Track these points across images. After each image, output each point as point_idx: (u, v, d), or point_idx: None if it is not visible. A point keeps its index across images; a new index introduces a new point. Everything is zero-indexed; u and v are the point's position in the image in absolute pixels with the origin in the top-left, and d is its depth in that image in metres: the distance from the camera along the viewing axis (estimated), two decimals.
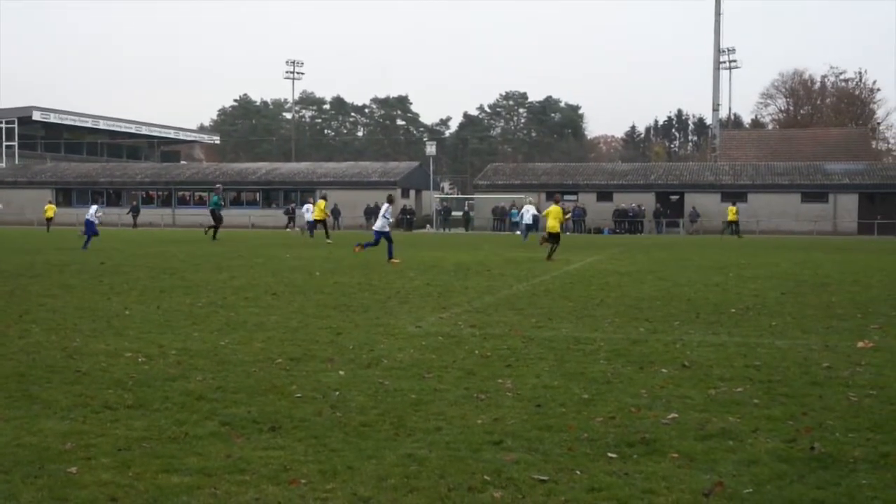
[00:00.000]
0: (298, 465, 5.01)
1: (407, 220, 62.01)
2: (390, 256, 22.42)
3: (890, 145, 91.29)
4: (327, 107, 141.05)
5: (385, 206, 23.80)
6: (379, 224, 23.72)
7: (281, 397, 6.67)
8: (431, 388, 7.02)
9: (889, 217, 54.99)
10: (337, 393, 6.81)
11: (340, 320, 11.02)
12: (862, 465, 5.02)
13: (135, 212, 62.43)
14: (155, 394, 6.78)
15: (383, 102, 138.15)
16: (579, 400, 6.63)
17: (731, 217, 48.93)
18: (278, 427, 5.82)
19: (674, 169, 67.29)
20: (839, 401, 6.60)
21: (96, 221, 28.80)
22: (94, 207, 29.40)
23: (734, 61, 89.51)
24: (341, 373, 7.61)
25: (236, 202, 69.17)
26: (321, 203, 38.82)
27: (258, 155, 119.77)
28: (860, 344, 9.17)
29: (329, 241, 34.80)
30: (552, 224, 24.37)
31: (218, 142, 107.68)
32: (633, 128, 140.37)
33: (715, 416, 6.13)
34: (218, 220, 36.14)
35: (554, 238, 24.28)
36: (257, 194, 69.05)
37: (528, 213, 37.86)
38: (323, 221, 38.40)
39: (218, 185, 40.49)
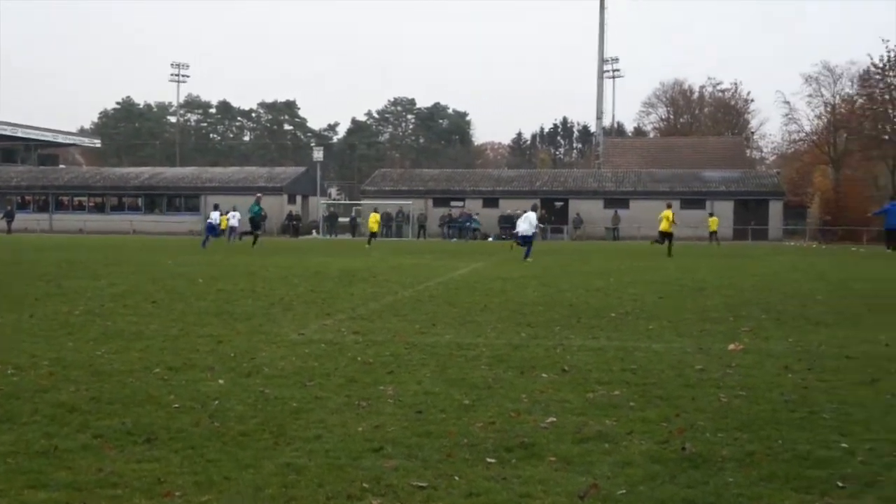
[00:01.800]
0: (173, 477, 4.90)
1: (293, 225, 61.46)
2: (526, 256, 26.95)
3: (763, 154, 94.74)
4: (213, 111, 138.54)
5: (531, 213, 28.85)
6: (523, 228, 28.29)
7: (158, 408, 6.52)
8: (313, 395, 6.97)
9: (762, 223, 57.27)
10: (216, 402, 6.69)
11: (222, 328, 10.83)
12: (729, 463, 5.19)
13: (9, 217, 60.12)
14: (24, 406, 6.53)
15: (270, 107, 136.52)
16: (460, 406, 6.67)
17: (712, 227, 49.96)
18: (154, 438, 5.69)
19: (559, 176, 68.57)
20: (710, 402, 6.82)
21: None
22: None
23: (618, 70, 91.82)
24: (221, 382, 7.48)
25: (117, 208, 67.46)
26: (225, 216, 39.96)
27: (141, 159, 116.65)
28: (731, 346, 9.50)
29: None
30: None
31: (99, 145, 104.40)
32: (519, 135, 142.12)
33: (592, 419, 6.25)
34: (256, 227, 36.74)
35: None
36: (139, 199, 67.45)
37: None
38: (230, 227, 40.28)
39: (259, 194, 40.92)
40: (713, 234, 49.49)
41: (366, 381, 7.59)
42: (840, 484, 4.82)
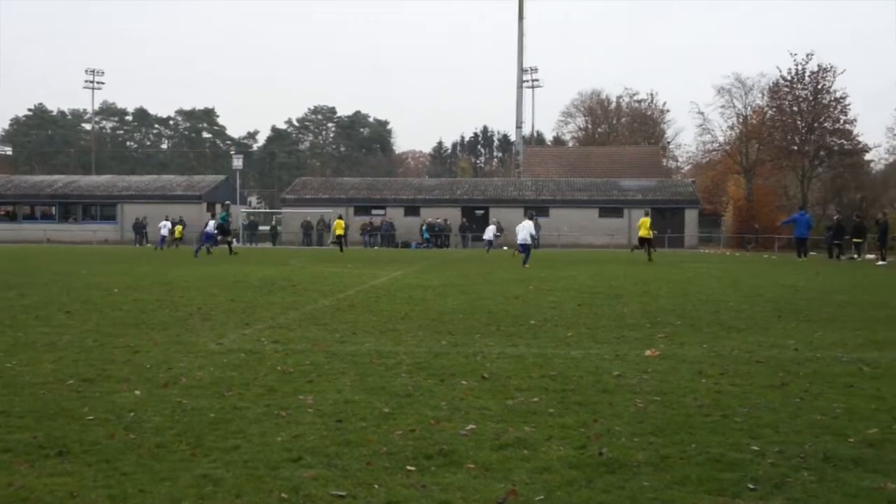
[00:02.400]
0: (87, 492, 4.79)
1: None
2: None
3: (679, 163, 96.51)
4: (129, 118, 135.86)
5: (528, 222, 30.25)
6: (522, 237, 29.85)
7: (71, 420, 6.37)
8: (231, 406, 6.89)
9: (677, 231, 58.42)
10: (132, 414, 6.57)
11: (138, 338, 10.63)
12: (645, 467, 5.28)
13: None
14: None
15: (189, 114, 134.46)
16: (380, 414, 6.66)
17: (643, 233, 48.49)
18: (66, 452, 5.56)
19: (479, 184, 68.96)
20: (627, 407, 6.93)
21: None
22: None
23: (537, 80, 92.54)
24: (137, 393, 7.34)
25: (30, 217, 65.76)
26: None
27: (55, 167, 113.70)
28: (648, 352, 9.66)
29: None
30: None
31: (10, 153, 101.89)
32: (440, 143, 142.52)
33: (511, 426, 6.30)
34: (226, 233, 38.15)
35: None
36: (53, 208, 65.78)
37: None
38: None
39: (227, 202, 42.42)
40: (643, 241, 46.91)
41: (285, 390, 7.53)
42: (751, 486, 4.94)
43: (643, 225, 34.62)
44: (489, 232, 45.04)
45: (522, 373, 8.45)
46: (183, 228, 53.98)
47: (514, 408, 6.90)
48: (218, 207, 41.68)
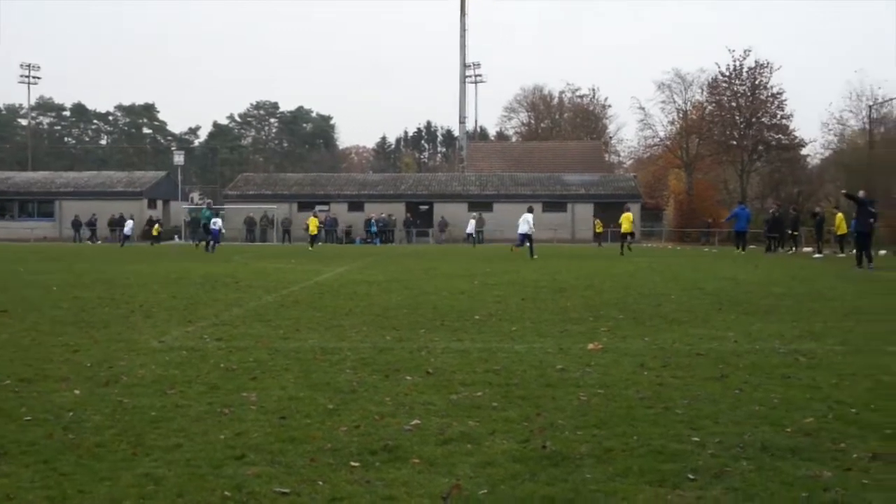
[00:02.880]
0: (24, 493, 4.70)
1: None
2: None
3: (621, 158, 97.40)
4: (67, 113, 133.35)
5: (528, 215, 31.98)
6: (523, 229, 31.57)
7: (8, 421, 6.25)
8: (173, 404, 6.81)
9: (620, 225, 58.89)
10: (71, 414, 6.46)
11: (78, 337, 10.46)
12: (588, 460, 5.33)
13: None
14: None
15: (128, 110, 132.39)
16: (324, 410, 6.63)
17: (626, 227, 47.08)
18: (3, 453, 5.45)
19: (423, 179, 68.95)
20: (570, 401, 6.98)
21: None
22: None
23: (479, 75, 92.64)
24: (77, 392, 7.22)
25: None
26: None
27: None
28: (591, 346, 9.75)
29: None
30: None
31: None
32: (383, 139, 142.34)
33: (456, 420, 6.32)
34: (207, 231, 39.29)
35: None
36: None
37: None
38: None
39: (209, 200, 44.16)
40: (625, 235, 40.10)
41: (228, 387, 7.47)
42: (691, 476, 5.02)
43: (626, 219, 37.00)
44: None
45: (467, 367, 8.47)
46: (161, 227, 54.08)
47: (458, 402, 6.91)
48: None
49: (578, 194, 61.49)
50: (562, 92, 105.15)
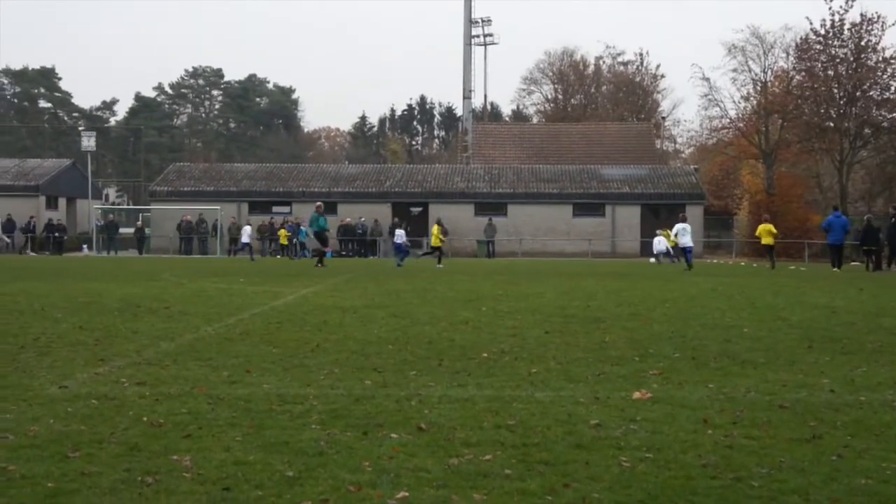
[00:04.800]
0: None
1: (54, 238, 59.88)
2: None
3: (677, 145, 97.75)
4: None
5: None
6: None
7: None
8: (78, 471, 6.78)
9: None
10: None
11: None
12: None
13: None
14: None
15: (19, 76, 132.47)
16: (282, 478, 6.62)
17: (673, 238, 48.46)
18: None
19: (415, 173, 69.13)
20: (609, 467, 6.96)
21: None
22: None
23: (490, 35, 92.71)
24: None
25: None
26: None
27: None
28: (636, 394, 9.73)
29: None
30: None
31: None
32: (363, 119, 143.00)
33: (456, 493, 6.31)
34: (325, 243, 41.51)
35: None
36: None
37: (663, 242, 45.97)
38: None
39: (319, 203, 43.91)
40: (769, 248, 44.56)
41: (153, 448, 7.45)
42: None
43: (765, 231, 41.85)
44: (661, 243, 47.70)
45: (471, 422, 8.45)
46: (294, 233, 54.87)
47: (459, 469, 6.89)
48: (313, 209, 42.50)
49: (621, 193, 61.62)
50: (599, 58, 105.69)
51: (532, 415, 8.79)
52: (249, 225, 54.67)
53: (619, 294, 23.93)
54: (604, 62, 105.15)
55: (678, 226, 41.23)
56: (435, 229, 43.33)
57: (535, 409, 9.08)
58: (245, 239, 52.70)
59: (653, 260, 49.66)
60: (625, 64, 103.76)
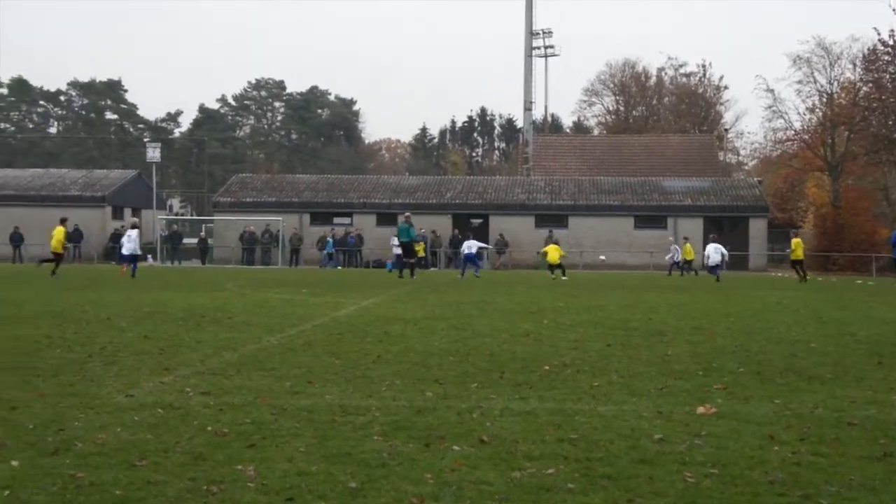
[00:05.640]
0: None
1: (118, 249, 60.48)
2: None
3: (741, 157, 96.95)
4: (4, 91, 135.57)
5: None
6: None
7: None
8: (144, 480, 6.84)
9: (740, 247, 58.40)
10: (7, 493, 6.52)
11: (17, 389, 10.57)
12: None
13: None
14: None
15: (86, 88, 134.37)
16: (345, 490, 6.63)
17: (796, 254, 45.79)
18: None
19: (476, 184, 69.12)
20: (673, 483, 6.91)
21: None
22: None
23: (551, 47, 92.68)
24: (15, 463, 7.29)
25: None
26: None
27: None
28: (700, 409, 9.66)
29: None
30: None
31: None
32: (423, 130, 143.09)
33: None
34: (411, 255, 40.93)
35: None
36: None
37: (717, 251, 44.93)
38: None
39: (407, 213, 43.55)
40: (798, 262, 44.67)
41: (218, 458, 7.50)
42: None
43: (798, 245, 43.75)
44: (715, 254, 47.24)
45: (534, 435, 8.43)
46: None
47: (522, 482, 6.88)
48: (400, 219, 42.53)
49: (683, 205, 61.25)
50: (661, 69, 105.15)
51: (595, 428, 8.75)
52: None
53: (682, 307, 23.78)
54: (666, 73, 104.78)
55: (710, 246, 44.09)
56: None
57: (598, 422, 9.04)
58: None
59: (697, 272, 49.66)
60: (687, 75, 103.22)
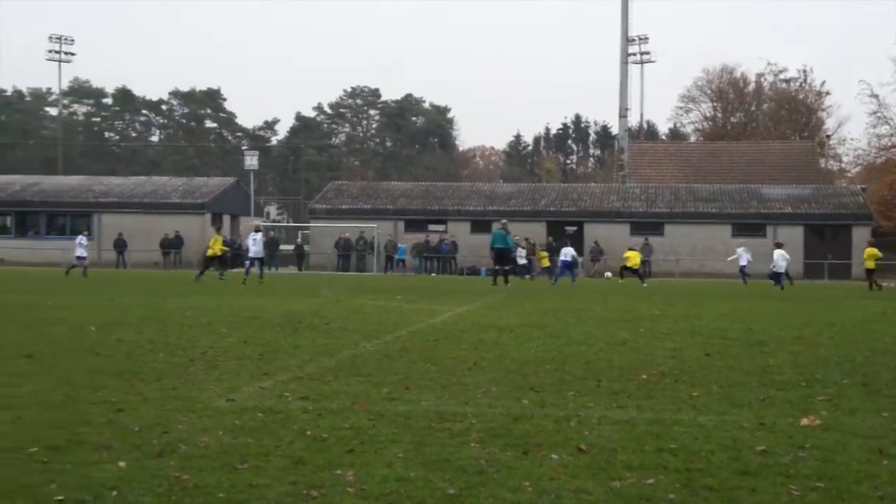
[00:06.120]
0: None
1: (219, 255, 61.20)
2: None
3: (843, 164, 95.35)
4: (108, 101, 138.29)
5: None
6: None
7: (34, 502, 6.44)
8: (246, 483, 6.91)
9: (842, 256, 57.36)
10: (115, 493, 6.62)
11: (123, 392, 10.76)
12: None
13: None
14: None
15: (187, 97, 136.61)
16: (443, 496, 6.64)
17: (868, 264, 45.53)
18: None
19: (570, 192, 68.90)
20: (778, 496, 6.81)
21: None
22: None
23: (647, 54, 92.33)
24: (122, 464, 7.41)
25: None
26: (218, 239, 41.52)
27: (10, 164, 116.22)
28: (804, 421, 9.51)
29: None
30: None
31: None
32: (518, 137, 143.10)
33: None
34: (507, 262, 42.07)
35: None
36: (8, 218, 67.02)
37: (783, 258, 44.42)
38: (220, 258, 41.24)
39: (504, 220, 43.95)
40: (870, 272, 44.55)
41: (317, 462, 7.55)
42: None
43: (870, 255, 43.56)
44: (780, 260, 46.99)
45: (632, 445, 8.37)
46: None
47: (621, 492, 6.83)
48: (496, 226, 42.64)
49: (783, 213, 60.41)
50: (760, 75, 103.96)
51: (695, 439, 8.66)
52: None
53: (782, 317, 23.45)
54: (765, 79, 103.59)
55: (777, 252, 43.34)
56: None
57: (698, 433, 8.94)
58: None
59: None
60: (787, 81, 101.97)
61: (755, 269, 52.17)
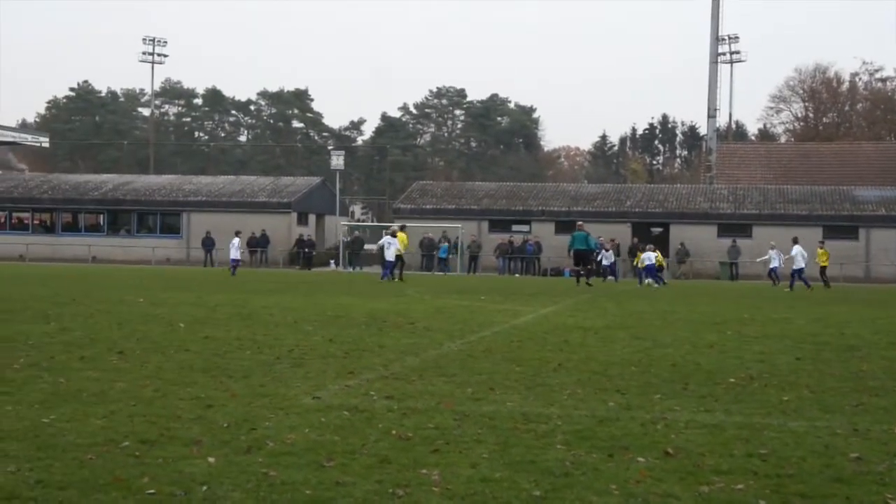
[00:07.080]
0: None
1: (304, 254, 61.74)
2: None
3: None
4: (199, 101, 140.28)
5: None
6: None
7: (126, 494, 6.54)
8: (333, 480, 6.96)
9: None
10: (204, 488, 6.70)
11: (211, 388, 10.90)
12: None
13: None
14: None
15: (275, 98, 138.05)
16: (529, 497, 6.63)
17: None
18: None
19: (656, 192, 68.39)
20: None
21: None
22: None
23: (737, 53, 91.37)
24: (211, 460, 7.50)
25: (71, 227, 68.01)
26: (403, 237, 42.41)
27: (103, 164, 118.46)
28: None
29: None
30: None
31: (47, 144, 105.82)
32: (603, 138, 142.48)
33: None
34: (586, 262, 42.87)
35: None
36: (101, 217, 68.12)
37: (777, 257, 46.60)
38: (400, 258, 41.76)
39: (580, 222, 44.76)
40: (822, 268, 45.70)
41: (402, 461, 7.58)
42: None
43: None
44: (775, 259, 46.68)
45: (721, 449, 8.29)
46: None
47: (710, 496, 6.78)
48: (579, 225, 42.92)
49: (876, 215, 59.37)
50: (855, 74, 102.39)
51: (785, 444, 8.56)
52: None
53: (876, 321, 23.06)
54: (860, 79, 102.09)
55: (795, 248, 43.27)
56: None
57: (789, 438, 8.83)
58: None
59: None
60: (883, 80, 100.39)
61: (849, 273, 51.37)
